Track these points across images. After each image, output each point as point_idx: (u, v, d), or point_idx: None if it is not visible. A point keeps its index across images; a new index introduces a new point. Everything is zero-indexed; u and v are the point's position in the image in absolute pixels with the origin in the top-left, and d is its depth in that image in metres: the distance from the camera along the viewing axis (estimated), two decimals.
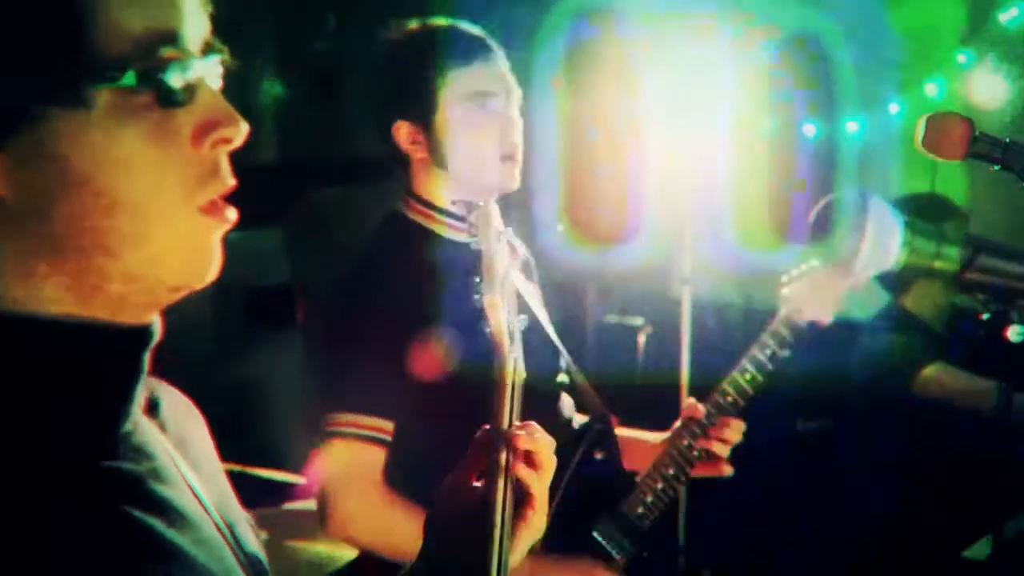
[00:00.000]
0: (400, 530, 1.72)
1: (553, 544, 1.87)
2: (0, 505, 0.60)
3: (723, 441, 1.93)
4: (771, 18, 3.76)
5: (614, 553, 1.89)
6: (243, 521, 0.84)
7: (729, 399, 1.93)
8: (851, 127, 3.87)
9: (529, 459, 0.97)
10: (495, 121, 1.78)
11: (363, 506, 1.73)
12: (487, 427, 1.04)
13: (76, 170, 0.63)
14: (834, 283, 2.00)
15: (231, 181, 0.70)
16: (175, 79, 0.65)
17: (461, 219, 1.84)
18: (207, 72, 0.68)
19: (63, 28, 0.61)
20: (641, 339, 4.28)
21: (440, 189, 1.84)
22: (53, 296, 0.66)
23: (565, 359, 1.97)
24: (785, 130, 4.07)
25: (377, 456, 1.74)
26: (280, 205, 4.45)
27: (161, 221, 0.66)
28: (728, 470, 1.97)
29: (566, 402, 1.99)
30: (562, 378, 1.96)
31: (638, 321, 4.39)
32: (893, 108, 3.75)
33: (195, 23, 0.68)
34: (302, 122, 5.02)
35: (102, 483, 0.67)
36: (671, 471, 1.92)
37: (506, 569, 0.97)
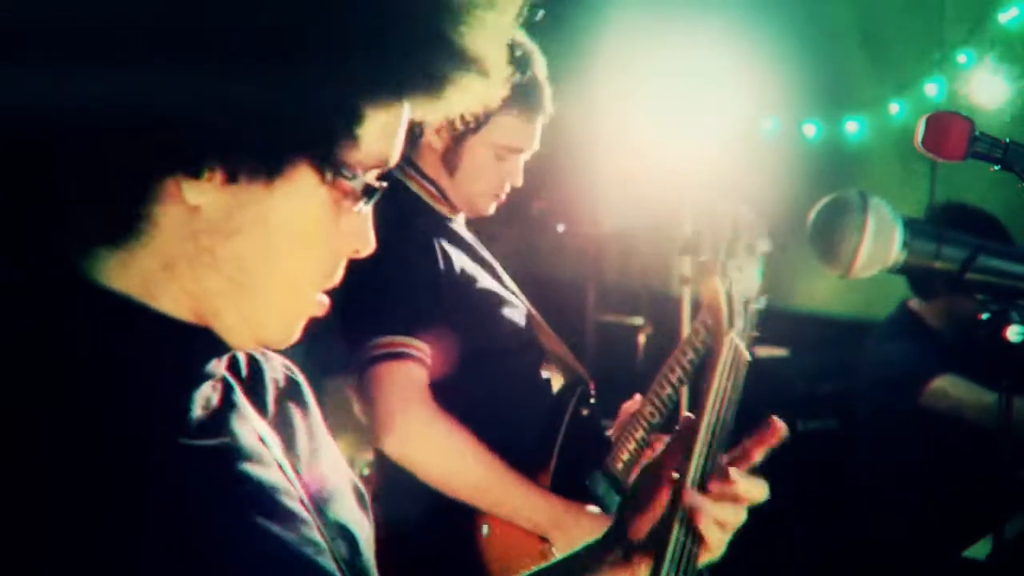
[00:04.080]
0: (457, 447, 1.77)
1: (561, 494, 1.91)
2: (76, 478, 0.67)
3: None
4: (771, 18, 3.76)
5: (606, 504, 1.94)
6: (339, 493, 0.90)
7: (675, 375, 1.96)
8: (851, 127, 3.87)
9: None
10: (507, 172, 1.90)
11: (424, 421, 1.75)
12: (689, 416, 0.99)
13: (275, 221, 0.74)
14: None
15: (338, 280, 0.82)
16: (374, 199, 0.79)
17: (441, 191, 1.94)
18: None
19: (346, 121, 0.74)
20: (641, 339, 4.28)
21: (435, 172, 1.95)
22: (173, 298, 0.75)
23: (539, 324, 2.04)
24: (785, 130, 4.07)
25: (425, 376, 1.78)
26: None
27: (292, 290, 0.78)
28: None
29: (541, 366, 2.04)
30: (534, 348, 2.02)
31: (638, 321, 4.39)
32: (893, 108, 3.75)
33: (396, 156, 0.81)
34: None
35: (180, 458, 0.74)
36: (640, 433, 1.98)
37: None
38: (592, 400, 2.04)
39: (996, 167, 1.11)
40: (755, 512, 1.01)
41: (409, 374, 1.75)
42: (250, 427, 0.83)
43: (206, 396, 0.79)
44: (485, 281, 1.94)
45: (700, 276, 1.06)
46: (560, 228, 4.77)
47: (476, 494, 1.79)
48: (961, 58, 3.51)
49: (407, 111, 0.80)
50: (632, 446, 1.98)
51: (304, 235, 0.76)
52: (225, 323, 0.77)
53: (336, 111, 0.73)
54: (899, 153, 3.65)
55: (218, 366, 0.81)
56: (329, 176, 0.75)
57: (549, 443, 1.93)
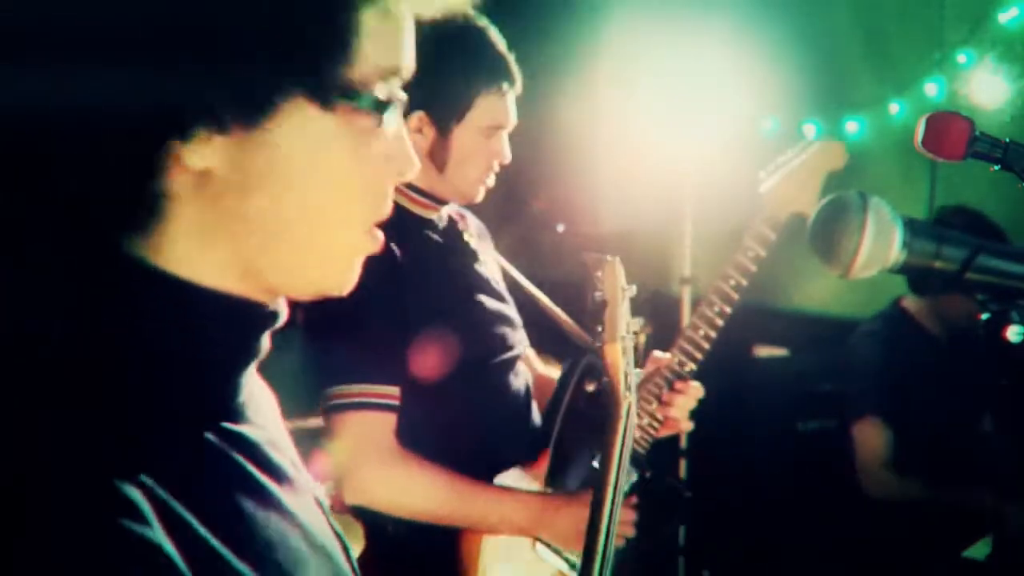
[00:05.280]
0: (416, 490, 1.79)
1: (557, 479, 1.90)
2: (127, 452, 0.64)
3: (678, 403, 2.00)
4: (771, 18, 3.76)
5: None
6: (327, 504, 0.90)
7: (715, 308, 1.99)
8: (851, 127, 3.87)
9: None
10: (494, 150, 1.88)
11: (378, 472, 1.77)
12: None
13: (289, 164, 0.70)
14: (813, 171, 2.01)
15: (389, 211, 0.78)
16: (393, 112, 0.73)
17: (423, 193, 1.91)
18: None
19: (331, 39, 0.68)
20: (641, 339, 4.28)
21: (419, 174, 1.88)
22: (217, 268, 0.72)
23: (540, 303, 2.03)
24: (785, 130, 4.07)
25: (388, 421, 1.77)
26: None
27: (332, 231, 0.74)
28: (688, 426, 2.05)
29: (520, 371, 2.01)
30: (516, 351, 1.99)
31: (638, 321, 4.39)
32: (893, 108, 3.75)
33: (410, 59, 0.75)
34: None
35: (221, 442, 0.72)
36: (652, 406, 1.99)
37: None
38: (598, 372, 1.96)
39: (996, 167, 1.11)
40: (756, 511, 1.04)
41: (364, 425, 1.75)
42: (270, 421, 0.82)
43: (249, 379, 0.78)
44: (462, 279, 1.92)
45: (600, 344, 1.24)
46: (560, 228, 4.77)
47: (451, 522, 1.82)
48: (961, 58, 3.51)
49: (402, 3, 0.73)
50: (645, 421, 1.97)
51: (326, 172, 0.71)
52: (274, 280, 0.74)
53: (318, 24, 0.67)
54: (899, 153, 3.65)
55: (264, 343, 0.78)
56: (329, 102, 0.69)
57: (547, 428, 1.93)
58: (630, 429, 1.16)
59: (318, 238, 0.73)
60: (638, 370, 1.31)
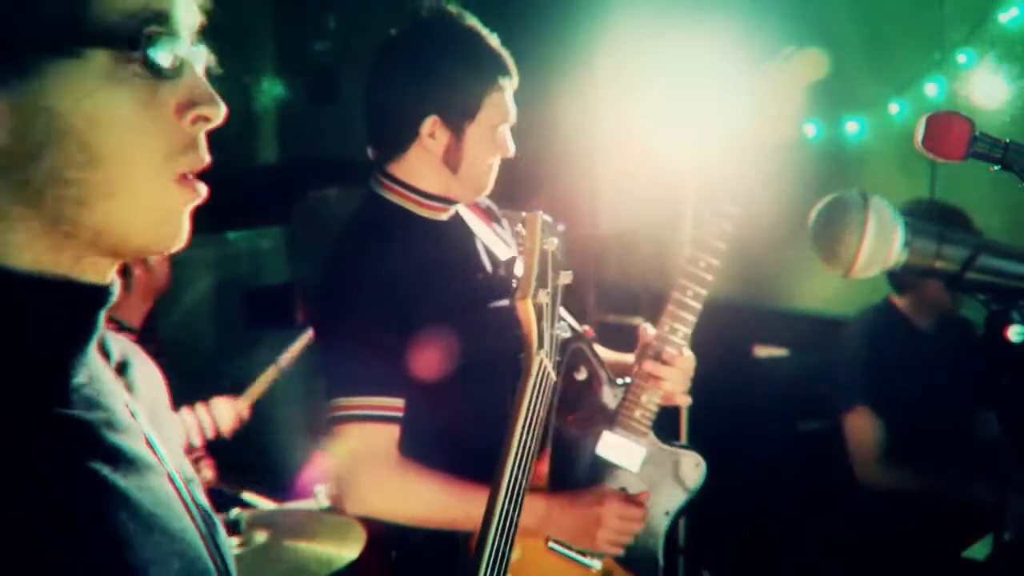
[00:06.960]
0: (415, 498, 1.81)
1: (559, 474, 1.89)
2: None
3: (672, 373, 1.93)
4: (770, 18, 3.76)
5: (624, 464, 1.93)
6: (196, 482, 0.89)
7: (702, 264, 1.91)
8: (851, 127, 3.87)
9: None
10: (500, 144, 1.91)
11: (378, 483, 1.80)
12: None
13: (64, 123, 0.69)
14: (790, 89, 1.94)
15: (206, 159, 0.76)
16: (162, 53, 0.72)
17: (433, 197, 1.92)
18: (193, 56, 0.75)
19: None
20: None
21: (430, 179, 1.93)
22: (23, 240, 0.71)
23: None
24: None
25: (390, 433, 1.80)
26: (280, 205, 4.45)
27: (134, 181, 0.73)
28: (685, 400, 1.99)
29: None
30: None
31: (638, 321, 4.38)
32: (893, 108, 3.74)
33: (186, 10, 0.75)
34: (302, 122, 5.02)
35: (52, 429, 0.72)
36: (646, 386, 1.94)
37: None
38: (587, 355, 1.94)
39: (996, 167, 1.11)
40: (756, 512, 1.03)
41: (365, 437, 1.78)
42: (123, 403, 0.81)
43: (88, 361, 0.77)
44: (472, 282, 1.91)
45: (514, 299, 1.21)
46: (560, 228, 4.76)
47: (453, 526, 1.82)
48: (961, 58, 3.51)
49: None
50: (644, 397, 1.93)
51: (105, 123, 0.70)
52: (108, 240, 0.73)
53: None
54: (899, 153, 3.64)
55: (96, 322, 0.76)
56: (81, 54, 0.69)
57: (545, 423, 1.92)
58: (543, 388, 1.15)
59: (119, 190, 0.72)
60: (564, 323, 1.28)
